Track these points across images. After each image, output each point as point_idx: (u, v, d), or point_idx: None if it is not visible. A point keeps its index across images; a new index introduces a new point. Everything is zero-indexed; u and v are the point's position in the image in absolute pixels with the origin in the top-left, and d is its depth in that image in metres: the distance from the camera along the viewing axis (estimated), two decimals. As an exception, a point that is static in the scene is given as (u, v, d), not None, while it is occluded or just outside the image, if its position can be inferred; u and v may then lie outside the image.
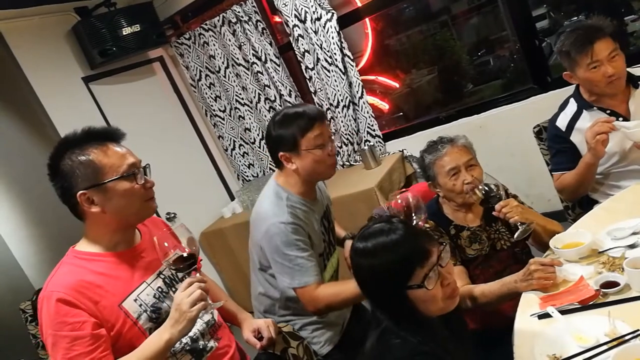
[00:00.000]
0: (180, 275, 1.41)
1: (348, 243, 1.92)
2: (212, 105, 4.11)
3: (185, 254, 1.31)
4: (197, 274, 1.34)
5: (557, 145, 2.11)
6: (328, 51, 3.44)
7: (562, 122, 2.09)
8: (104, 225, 1.36)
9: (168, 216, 3.73)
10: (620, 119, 1.94)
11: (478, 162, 1.86)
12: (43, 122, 3.23)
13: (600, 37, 1.89)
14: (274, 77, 3.72)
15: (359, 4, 3.55)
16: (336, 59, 3.43)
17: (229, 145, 4.22)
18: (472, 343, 1.35)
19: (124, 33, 3.43)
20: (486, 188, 1.66)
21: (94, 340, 1.24)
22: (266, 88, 3.80)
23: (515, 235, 1.68)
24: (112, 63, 3.53)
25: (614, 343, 1.14)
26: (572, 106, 2.08)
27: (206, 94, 4.10)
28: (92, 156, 1.31)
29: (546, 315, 1.34)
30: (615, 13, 3.37)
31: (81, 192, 1.29)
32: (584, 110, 2.03)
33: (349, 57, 3.45)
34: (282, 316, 1.82)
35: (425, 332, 1.15)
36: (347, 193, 3.13)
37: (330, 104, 3.62)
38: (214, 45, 3.85)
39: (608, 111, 1.98)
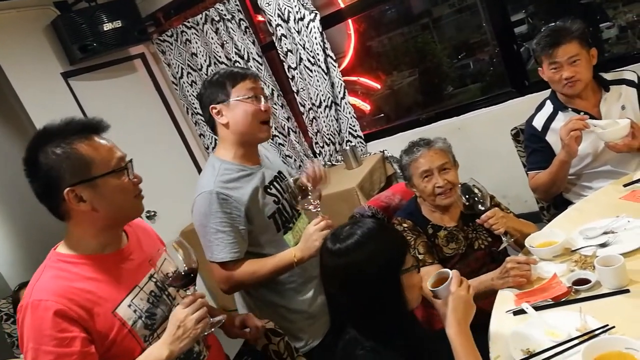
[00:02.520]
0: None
1: None
2: (193, 103, 4.08)
3: (183, 272, 1.25)
4: (194, 289, 1.28)
5: (533, 145, 2.17)
6: (311, 51, 3.46)
7: (538, 122, 2.15)
8: (91, 225, 1.24)
9: (148, 214, 3.70)
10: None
11: (455, 165, 1.89)
12: (20, 117, 3.18)
13: (565, 41, 1.96)
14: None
15: (342, 5, 3.57)
16: (319, 59, 3.45)
17: (210, 143, 4.20)
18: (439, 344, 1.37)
19: (105, 29, 3.41)
20: (471, 193, 1.64)
21: (81, 358, 1.13)
22: (248, 87, 3.79)
23: (500, 248, 1.71)
24: (92, 59, 3.49)
25: (585, 337, 1.19)
26: (548, 107, 2.15)
27: (188, 91, 4.07)
28: (80, 149, 1.19)
29: (521, 312, 1.38)
30: (591, 20, 3.46)
31: (69, 188, 1.17)
32: (559, 112, 2.10)
33: (331, 57, 3.48)
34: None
35: (395, 337, 1.17)
36: (328, 193, 3.14)
37: (313, 104, 3.64)
38: (196, 42, 3.84)
39: (582, 113, 2.04)
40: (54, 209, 1.23)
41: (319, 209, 1.65)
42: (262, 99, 1.68)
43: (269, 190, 1.74)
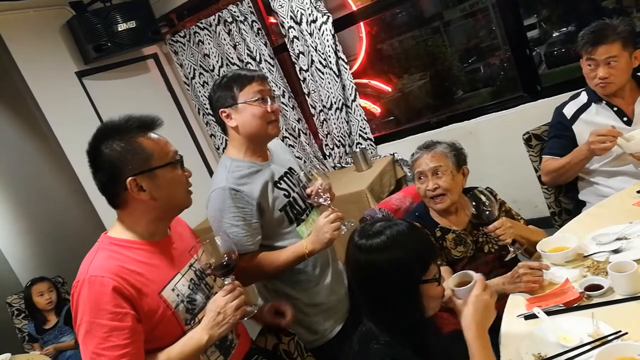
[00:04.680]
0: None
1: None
2: (205, 104, 4.11)
3: (224, 261, 1.34)
4: (232, 278, 1.35)
5: (556, 131, 2.18)
6: (323, 53, 3.47)
7: (569, 110, 2.16)
8: (146, 213, 1.33)
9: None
10: (625, 118, 2.03)
11: (457, 170, 1.87)
12: (35, 115, 3.22)
13: (608, 40, 1.93)
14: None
15: (354, 8, 3.59)
16: (330, 62, 3.46)
17: (221, 144, 4.22)
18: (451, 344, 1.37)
19: (119, 29, 3.44)
20: (479, 202, 1.62)
21: (131, 334, 1.20)
22: (260, 88, 3.81)
23: (507, 258, 1.70)
24: (106, 59, 3.52)
25: (597, 343, 1.18)
26: (583, 97, 2.15)
27: (199, 92, 4.10)
28: (141, 143, 1.30)
29: (532, 316, 1.38)
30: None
31: (131, 177, 1.27)
32: (593, 103, 2.10)
33: (343, 60, 3.49)
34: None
35: (409, 335, 1.17)
36: (338, 194, 3.13)
37: (324, 106, 3.65)
38: (209, 44, 3.86)
39: (615, 108, 2.05)
40: (114, 197, 1.32)
41: (329, 201, 1.68)
42: (269, 99, 1.70)
43: (279, 185, 1.77)
